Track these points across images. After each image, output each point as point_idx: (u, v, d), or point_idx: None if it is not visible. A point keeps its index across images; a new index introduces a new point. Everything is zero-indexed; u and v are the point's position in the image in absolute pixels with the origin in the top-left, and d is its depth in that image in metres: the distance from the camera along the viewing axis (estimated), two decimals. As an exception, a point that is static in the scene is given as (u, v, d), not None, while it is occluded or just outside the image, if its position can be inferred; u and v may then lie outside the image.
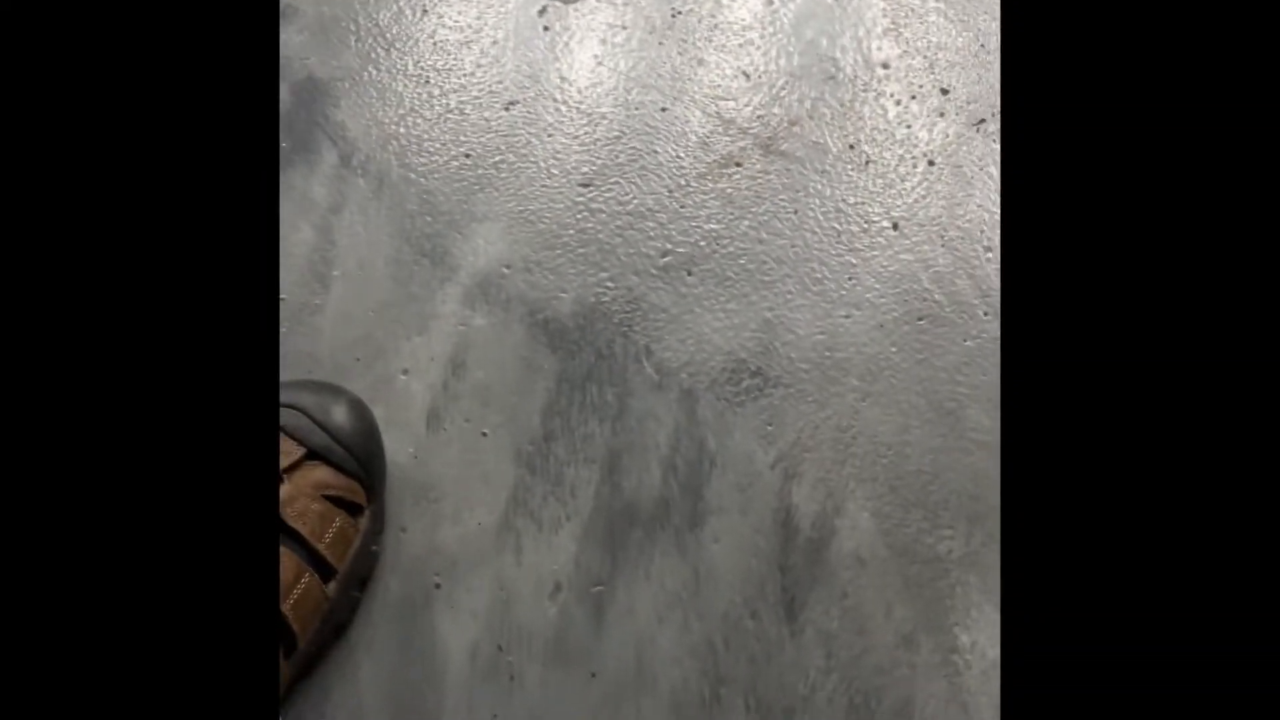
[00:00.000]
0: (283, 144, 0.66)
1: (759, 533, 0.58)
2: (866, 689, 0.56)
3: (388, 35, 0.71)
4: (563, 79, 0.68)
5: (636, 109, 0.67)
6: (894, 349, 0.60)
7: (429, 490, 0.60)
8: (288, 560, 0.48)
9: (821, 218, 0.63)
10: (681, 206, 0.64)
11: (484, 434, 0.61)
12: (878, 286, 0.62)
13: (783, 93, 0.67)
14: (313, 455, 0.52)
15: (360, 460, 0.54)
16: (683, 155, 0.65)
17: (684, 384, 0.61)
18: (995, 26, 0.67)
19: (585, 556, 0.59)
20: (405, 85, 0.69)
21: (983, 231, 0.61)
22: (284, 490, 0.50)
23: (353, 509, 0.54)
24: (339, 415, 0.54)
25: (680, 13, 0.70)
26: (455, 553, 0.59)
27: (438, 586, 0.58)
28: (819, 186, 0.64)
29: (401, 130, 0.68)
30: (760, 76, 0.67)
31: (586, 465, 0.60)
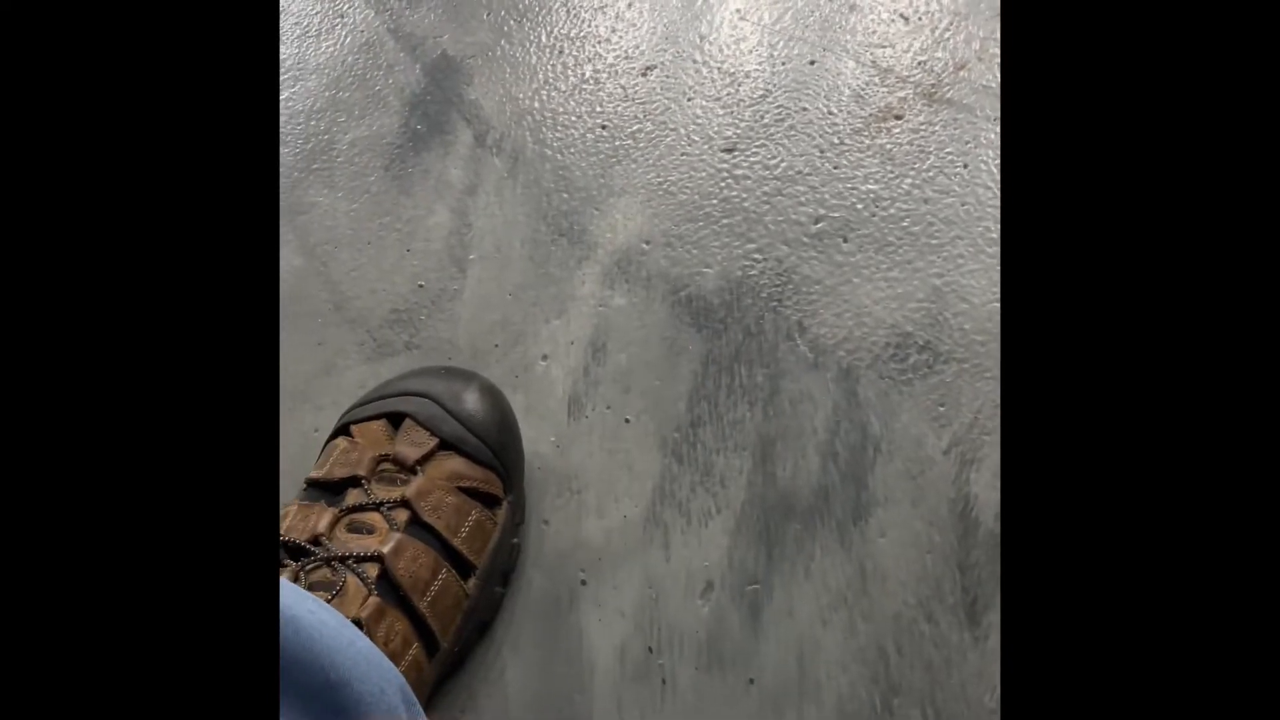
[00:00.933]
0: (417, 126, 0.71)
1: (933, 526, 0.57)
2: (1065, 705, 0.54)
3: (520, 6, 0.74)
4: (702, 38, 0.69)
5: (783, 64, 0.67)
6: (1089, 316, 0.58)
7: (571, 481, 0.63)
8: (424, 556, 0.49)
9: (995, 171, 0.61)
10: (835, 167, 0.64)
11: (627, 420, 0.63)
12: (1068, 246, 0.59)
13: (947, 34, 0.65)
14: (445, 445, 0.53)
15: (495, 450, 0.55)
16: (835, 111, 0.65)
17: (842, 362, 0.61)
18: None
19: (738, 552, 0.60)
20: (539, 57, 0.72)
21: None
22: (417, 483, 0.51)
23: (490, 501, 0.55)
24: (471, 402, 0.55)
25: (829, -45, 0.69)
26: (601, 547, 0.61)
27: (583, 583, 0.61)
28: (991, 137, 0.62)
29: (536, 105, 0.71)
30: (920, 18, 0.66)
31: (737, 453, 0.61)
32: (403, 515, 0.50)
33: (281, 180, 0.69)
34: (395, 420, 0.54)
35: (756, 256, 0.63)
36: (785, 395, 0.60)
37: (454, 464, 0.53)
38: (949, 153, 0.61)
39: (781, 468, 0.59)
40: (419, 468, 0.52)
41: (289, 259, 0.66)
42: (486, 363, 0.64)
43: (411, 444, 0.53)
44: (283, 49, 0.73)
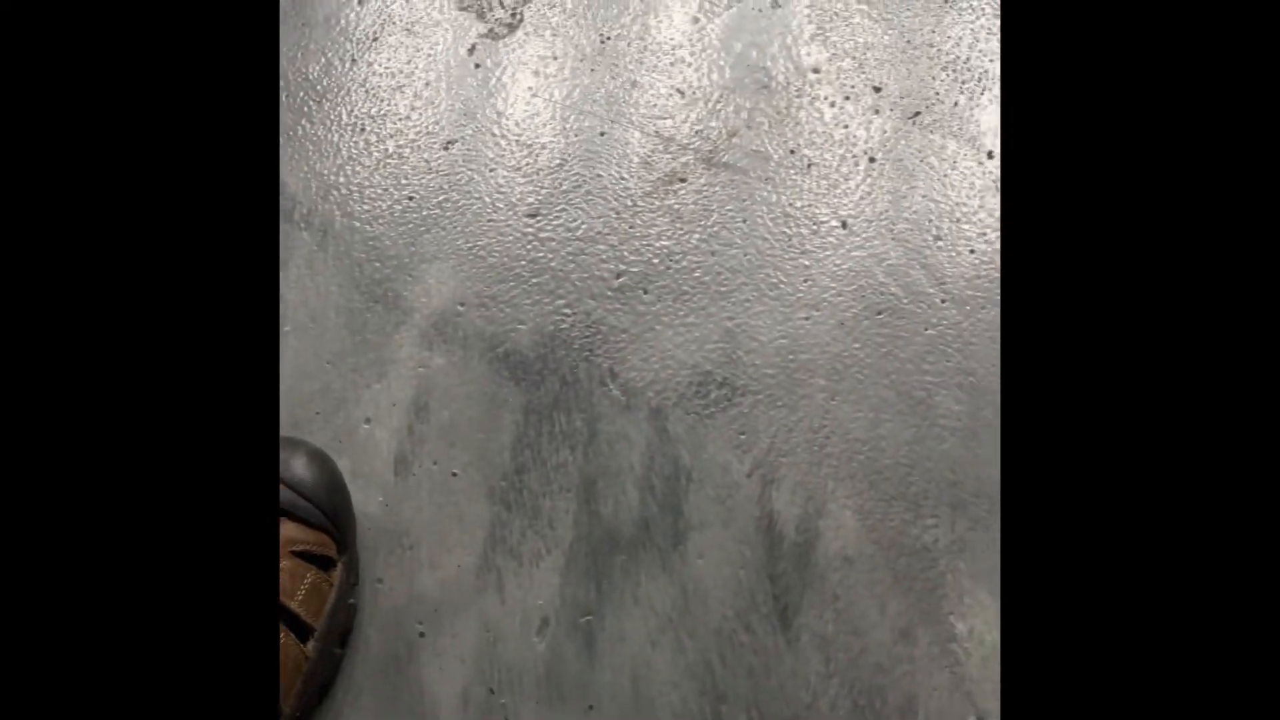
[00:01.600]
0: (221, 205, 0.76)
1: (744, 543, 0.67)
2: (869, 689, 0.64)
3: (318, 88, 0.82)
4: (499, 113, 0.79)
5: (576, 135, 0.78)
6: (857, 345, 0.71)
7: (403, 538, 0.68)
8: None
9: (771, 224, 0.74)
10: (631, 227, 0.75)
11: (454, 474, 0.70)
12: (834, 285, 0.72)
13: (718, 106, 0.78)
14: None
15: (326, 512, 0.59)
16: (627, 176, 0.76)
17: (652, 402, 0.71)
18: (919, 22, 0.80)
19: (570, 588, 0.67)
20: (341, 135, 0.79)
21: (930, 221, 0.72)
22: None
23: (324, 563, 0.59)
24: (299, 468, 0.60)
25: (609, 38, 0.81)
26: (436, 599, 0.67)
27: (421, 635, 0.66)
28: (765, 194, 0.75)
29: (341, 180, 0.78)
30: (694, 92, 0.79)
31: (562, 495, 0.69)
32: None
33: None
34: None
35: (566, 311, 0.72)
36: (603, 437, 0.69)
37: (286, 530, 0.57)
38: (729, 210, 0.74)
39: (604, 504, 0.68)
40: None
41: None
42: (309, 431, 0.69)
43: None
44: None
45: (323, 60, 0.78)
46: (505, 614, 0.63)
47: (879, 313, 0.68)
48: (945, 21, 0.75)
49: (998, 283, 0.65)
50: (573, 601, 0.64)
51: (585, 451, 0.67)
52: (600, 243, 0.71)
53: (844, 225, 0.70)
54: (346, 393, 0.68)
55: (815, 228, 0.70)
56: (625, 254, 0.71)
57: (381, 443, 0.67)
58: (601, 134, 0.74)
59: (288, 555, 0.56)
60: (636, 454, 0.67)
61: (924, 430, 0.65)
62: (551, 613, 0.63)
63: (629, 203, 0.72)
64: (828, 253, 0.70)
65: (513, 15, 0.78)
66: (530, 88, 0.76)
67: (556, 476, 0.66)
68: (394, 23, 0.79)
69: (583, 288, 0.70)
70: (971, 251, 0.68)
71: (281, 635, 0.54)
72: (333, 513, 0.60)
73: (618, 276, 0.70)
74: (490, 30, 0.78)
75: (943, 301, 0.68)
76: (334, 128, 0.75)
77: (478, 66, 0.77)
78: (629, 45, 0.77)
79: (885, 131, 0.72)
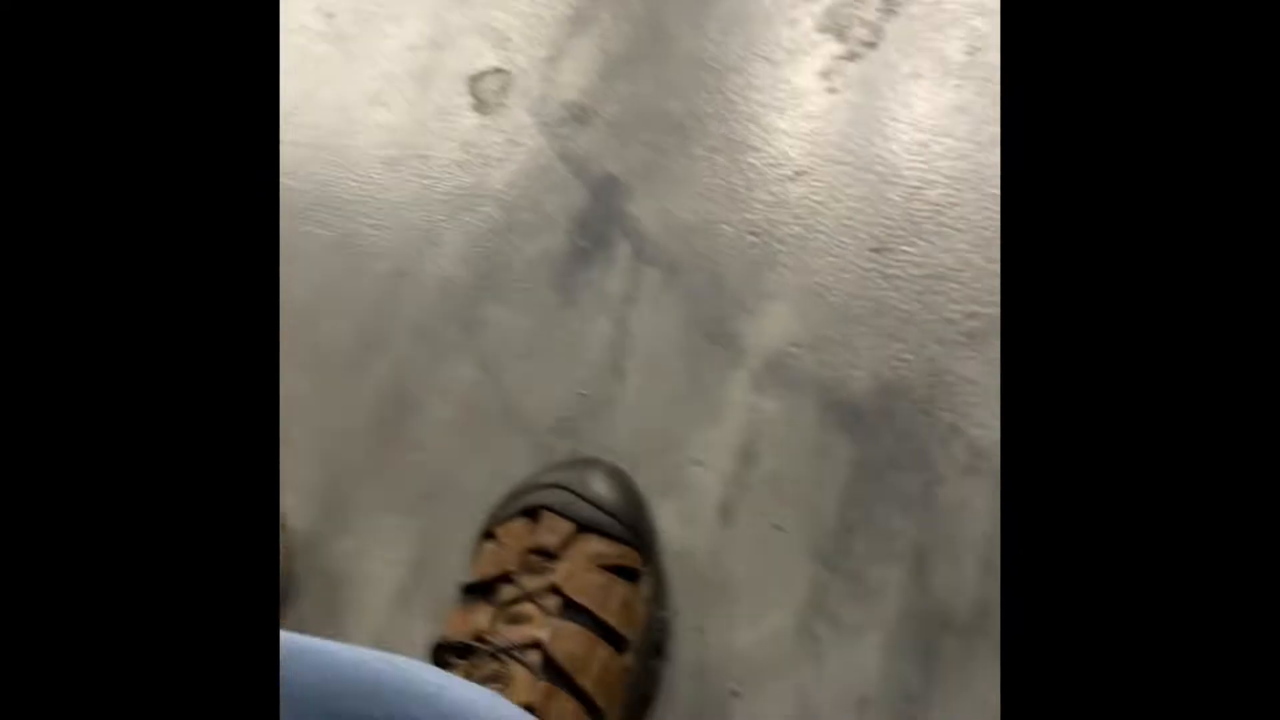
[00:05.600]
0: (581, 242, 0.84)
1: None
2: None
3: (675, 124, 0.86)
4: (848, 139, 0.78)
5: (934, 160, 0.74)
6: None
7: (724, 589, 0.70)
8: (580, 636, 0.58)
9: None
10: (989, 262, 0.69)
11: (778, 528, 0.70)
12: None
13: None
14: (582, 528, 0.62)
15: (628, 525, 0.64)
16: (987, 205, 0.70)
17: (1000, 467, 0.65)
18: None
19: (894, 667, 0.64)
20: (692, 170, 0.83)
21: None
22: (562, 568, 0.60)
23: (631, 575, 0.63)
24: (599, 485, 0.65)
25: (979, 49, 0.76)
26: (752, 658, 0.68)
27: (734, 694, 0.67)
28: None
29: (690, 215, 0.82)
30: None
31: (891, 563, 0.66)
32: (554, 601, 0.60)
33: (459, 297, 0.84)
34: (533, 514, 0.64)
35: (908, 357, 0.69)
36: (941, 502, 0.65)
37: (593, 545, 0.63)
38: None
39: (938, 578, 0.64)
40: (562, 553, 0.62)
41: (464, 371, 0.81)
42: (642, 469, 0.74)
43: (551, 532, 0.62)
44: (465, 177, 0.90)
45: (682, 95, 0.83)
46: (822, 687, 0.63)
47: None
48: None
49: None
50: (897, 683, 0.62)
51: (920, 517, 0.64)
52: (951, 280, 0.67)
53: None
54: (679, 433, 0.72)
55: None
56: (980, 294, 0.66)
57: (709, 488, 0.70)
58: (963, 157, 0.70)
59: (596, 569, 0.61)
60: (979, 526, 0.62)
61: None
62: (872, 692, 0.62)
63: (988, 235, 0.67)
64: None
65: (874, 32, 0.77)
66: (881, 107, 0.74)
67: (886, 542, 0.64)
68: (752, 50, 0.82)
69: (928, 331, 0.67)
70: None
71: (600, 648, 0.59)
72: (635, 525, 0.64)
73: (969, 319, 0.66)
74: (849, 52, 0.77)
75: None
76: (687, 162, 0.80)
77: (832, 91, 0.77)
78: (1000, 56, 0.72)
79: None
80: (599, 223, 0.82)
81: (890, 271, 0.69)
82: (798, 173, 0.76)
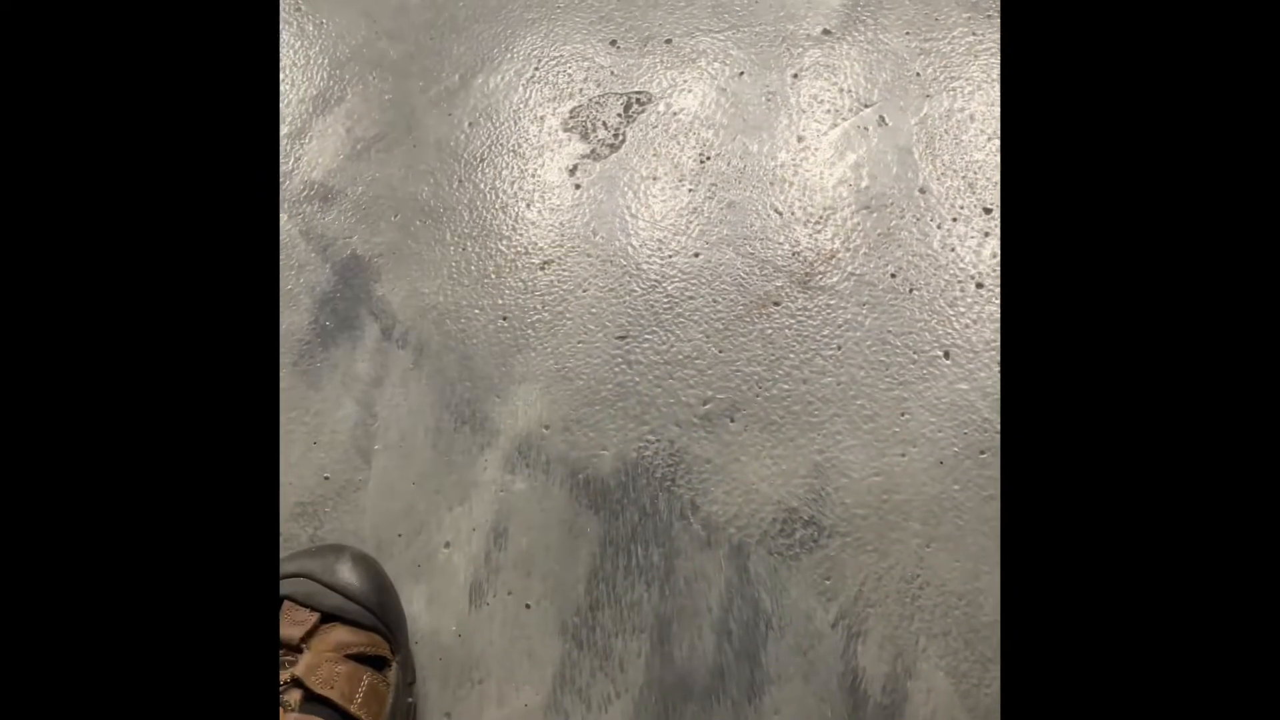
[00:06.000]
0: (326, 323, 0.83)
1: (824, 701, 0.65)
2: None
3: (426, 207, 0.89)
4: (594, 233, 0.83)
5: (670, 256, 0.81)
6: (956, 487, 0.69)
7: (473, 670, 0.71)
8: None
9: (868, 352, 0.74)
10: (720, 351, 0.77)
11: (527, 606, 0.72)
12: (933, 420, 0.71)
13: (818, 227, 0.79)
14: (327, 618, 0.61)
15: (376, 612, 0.63)
16: (718, 299, 0.78)
17: (733, 539, 0.71)
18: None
19: (639, 736, 0.68)
20: (443, 254, 0.86)
21: (1043, 352, 0.70)
22: (305, 659, 0.58)
23: (379, 663, 0.62)
24: (345, 572, 0.64)
25: (709, 158, 0.85)
26: (501, 737, 0.69)
27: (483, 775, 0.68)
28: (862, 319, 0.75)
29: (441, 299, 0.84)
30: (793, 212, 0.81)
31: (635, 635, 0.70)
32: (296, 695, 0.58)
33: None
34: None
35: (650, 438, 0.74)
36: (680, 574, 0.70)
37: (338, 634, 0.61)
38: (824, 336, 0.74)
39: (678, 648, 0.68)
40: (304, 645, 0.60)
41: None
42: (390, 553, 0.74)
43: (293, 624, 0.61)
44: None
45: (431, 181, 0.85)
46: (568, 759, 0.64)
47: (982, 452, 0.66)
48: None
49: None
50: (640, 751, 0.64)
51: (662, 589, 0.68)
52: (689, 367, 0.73)
53: (946, 355, 0.69)
54: (429, 515, 0.72)
55: (915, 357, 0.70)
56: (714, 379, 0.72)
57: (459, 569, 0.70)
58: (696, 255, 0.77)
59: (343, 660, 0.60)
60: (715, 594, 0.67)
61: (1030, 588, 0.62)
62: (617, 762, 0.64)
63: (720, 326, 0.74)
64: (928, 384, 0.69)
65: (615, 135, 0.83)
66: (628, 207, 0.80)
67: (631, 615, 0.67)
68: (501, 144, 0.86)
69: (668, 414, 0.72)
70: (1088, 389, 0.65)
71: None
72: (382, 612, 0.64)
73: (705, 403, 0.72)
74: (593, 151, 0.83)
75: (1055, 443, 0.65)
76: (438, 247, 0.82)
77: (578, 187, 0.82)
78: (728, 165, 0.80)
79: (996, 255, 0.71)
80: (345, 304, 0.82)
81: (633, 358, 0.74)
82: (546, 262, 0.80)
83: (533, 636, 0.68)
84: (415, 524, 0.74)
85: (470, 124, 0.89)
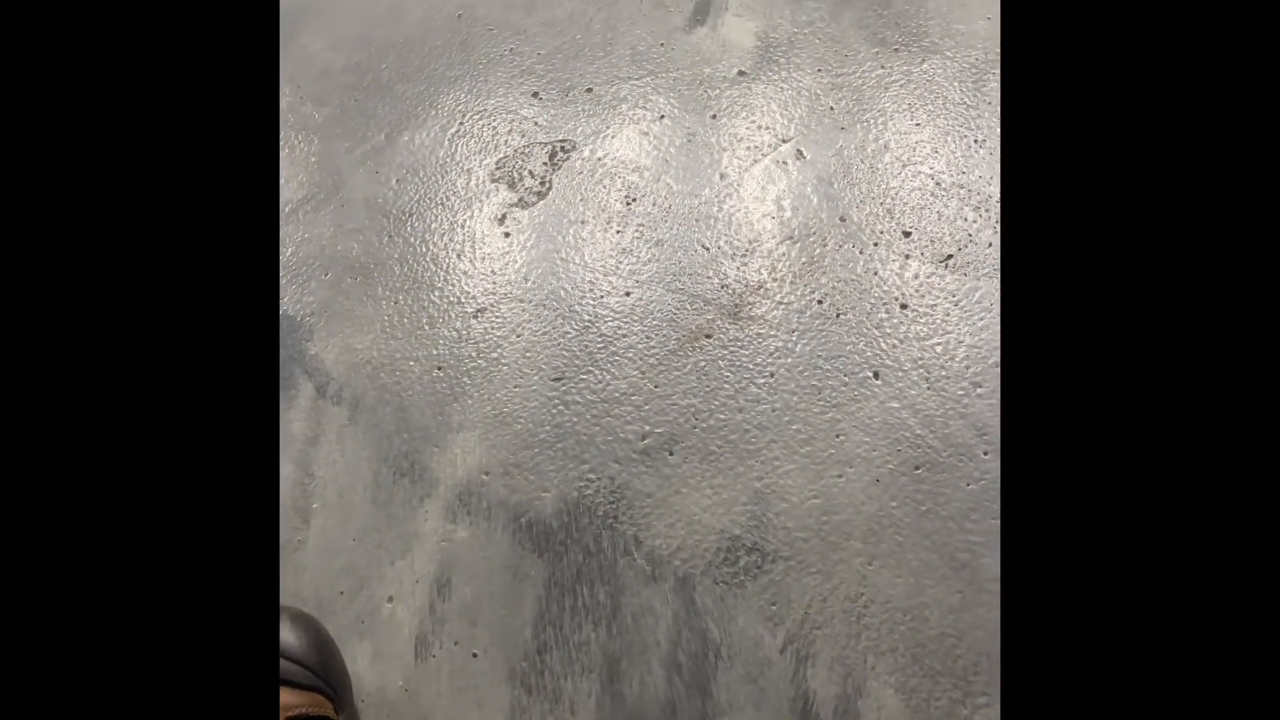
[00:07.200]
0: (260, 384, 0.84)
1: (778, 727, 0.66)
2: None
3: (357, 264, 0.90)
4: (525, 279, 0.85)
5: (602, 297, 0.83)
6: (894, 504, 0.70)
7: (422, 725, 0.71)
8: None
9: (800, 377, 0.76)
10: (656, 386, 0.78)
11: (475, 655, 0.72)
12: (867, 440, 0.73)
13: (744, 259, 0.82)
14: None
15: (317, 672, 0.63)
16: (651, 335, 0.80)
17: (678, 571, 0.72)
18: (946, 164, 0.82)
19: (594, 780, 0.68)
20: (375, 309, 0.87)
21: (968, 368, 0.73)
22: None
23: None
24: (284, 633, 0.64)
25: (635, 199, 0.88)
26: (453, 792, 0.68)
27: (437, 833, 0.67)
28: (792, 346, 0.77)
29: (375, 354, 0.85)
30: (719, 247, 0.83)
31: (585, 676, 0.70)
32: None
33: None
34: None
35: (591, 476, 0.75)
36: (627, 610, 0.71)
37: (281, 697, 0.61)
38: (756, 364, 0.76)
39: (629, 685, 0.68)
40: None
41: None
42: (332, 610, 0.73)
43: None
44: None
45: (362, 239, 0.86)
46: (523, 808, 0.63)
47: (916, 468, 0.68)
48: (973, 161, 0.78)
49: (1043, 431, 0.64)
50: (596, 794, 0.64)
51: (609, 627, 0.68)
52: (625, 403, 0.74)
53: (876, 375, 0.71)
54: (370, 570, 0.72)
55: (846, 379, 0.72)
56: (650, 414, 0.74)
57: (403, 623, 0.70)
58: (627, 294, 0.78)
59: None
60: (663, 628, 0.67)
61: (970, 596, 0.64)
62: (573, 807, 0.63)
63: (654, 362, 0.75)
64: (860, 405, 0.71)
65: (542, 184, 0.85)
66: (558, 251, 0.82)
67: (579, 656, 0.67)
68: (429, 198, 0.88)
69: (607, 451, 0.73)
70: (1013, 398, 0.68)
71: None
72: (324, 671, 0.64)
73: (643, 438, 0.73)
74: (520, 199, 0.85)
75: (985, 453, 0.67)
76: (369, 302, 0.83)
77: (507, 235, 0.84)
78: (653, 205, 0.82)
79: (918, 276, 0.74)
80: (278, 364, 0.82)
81: (570, 398, 0.76)
82: (479, 310, 0.81)
83: (481, 685, 0.68)
84: (357, 580, 0.73)
85: (398, 180, 0.91)
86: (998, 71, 0.81)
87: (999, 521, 0.64)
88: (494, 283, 0.83)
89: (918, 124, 0.82)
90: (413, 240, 0.87)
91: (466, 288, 0.83)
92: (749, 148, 0.85)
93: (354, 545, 0.74)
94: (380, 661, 0.70)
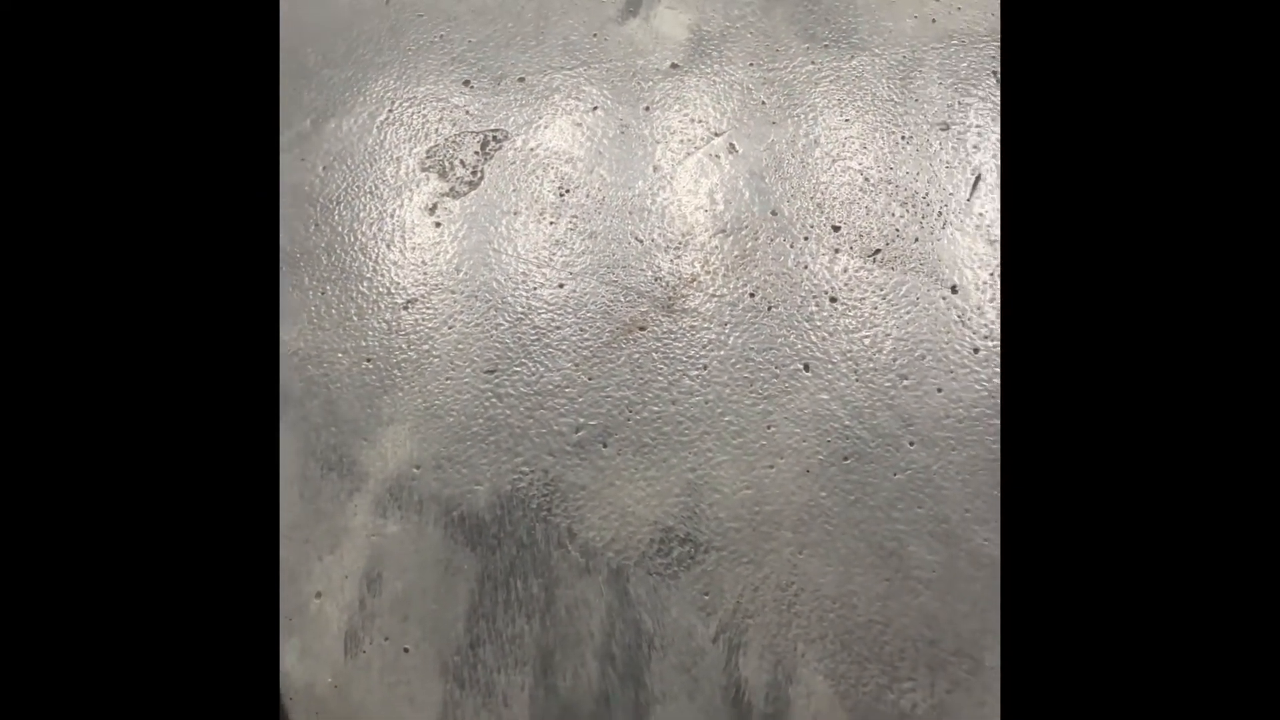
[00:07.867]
0: (181, 376, 0.82)
1: (710, 716, 0.67)
2: None
3: (281, 253, 0.89)
4: (457, 270, 0.85)
5: (535, 289, 0.83)
6: (824, 494, 0.72)
7: (352, 721, 0.70)
8: None
9: (732, 369, 0.77)
10: (590, 378, 0.79)
11: (406, 650, 0.72)
12: (798, 431, 0.74)
13: (678, 252, 0.83)
14: None
15: None
16: (585, 328, 0.81)
17: (612, 563, 0.72)
18: (874, 160, 0.84)
19: (527, 772, 0.68)
20: (301, 299, 0.86)
21: (895, 360, 0.75)
22: None
23: None
24: None
25: (568, 190, 0.88)
26: (385, 788, 0.68)
27: (368, 830, 0.67)
28: (725, 338, 0.78)
29: (301, 345, 0.84)
30: (653, 239, 0.84)
31: (518, 669, 0.70)
32: None
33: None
34: None
35: (524, 469, 0.75)
36: (561, 603, 0.71)
37: None
38: (690, 357, 0.77)
39: (562, 678, 0.69)
40: None
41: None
42: (257, 608, 0.73)
43: None
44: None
45: (286, 227, 0.85)
46: (456, 802, 0.64)
47: (845, 458, 0.70)
48: (900, 157, 0.80)
49: (968, 423, 0.67)
50: (529, 787, 0.64)
51: (543, 620, 0.69)
52: (559, 396, 0.75)
53: (806, 367, 0.73)
54: (298, 566, 0.71)
55: (777, 371, 0.73)
56: (584, 407, 0.74)
57: (332, 619, 0.70)
58: (560, 286, 0.79)
59: None
60: (596, 620, 0.68)
61: (897, 584, 0.66)
62: (507, 800, 0.64)
63: (588, 354, 0.76)
64: (790, 397, 0.72)
65: (473, 173, 0.85)
66: (490, 242, 0.82)
67: (512, 649, 0.68)
68: (358, 186, 0.87)
69: (541, 444, 0.73)
70: (939, 390, 0.70)
71: None
72: None
73: (577, 431, 0.73)
74: (452, 189, 0.85)
75: (911, 444, 0.69)
76: (295, 292, 0.82)
77: (438, 225, 0.83)
78: (587, 197, 0.83)
79: (847, 270, 0.76)
80: (201, 354, 0.81)
81: (503, 391, 0.76)
82: (410, 301, 0.81)
83: (413, 681, 0.68)
84: (285, 576, 0.73)
85: (325, 168, 0.90)
86: (924, 69, 0.83)
87: (924, 510, 0.66)
88: (425, 273, 0.82)
89: (847, 120, 0.84)
90: (340, 229, 0.86)
91: (396, 278, 0.82)
92: (682, 140, 0.86)
93: (281, 541, 0.73)
94: (309, 658, 0.69)
